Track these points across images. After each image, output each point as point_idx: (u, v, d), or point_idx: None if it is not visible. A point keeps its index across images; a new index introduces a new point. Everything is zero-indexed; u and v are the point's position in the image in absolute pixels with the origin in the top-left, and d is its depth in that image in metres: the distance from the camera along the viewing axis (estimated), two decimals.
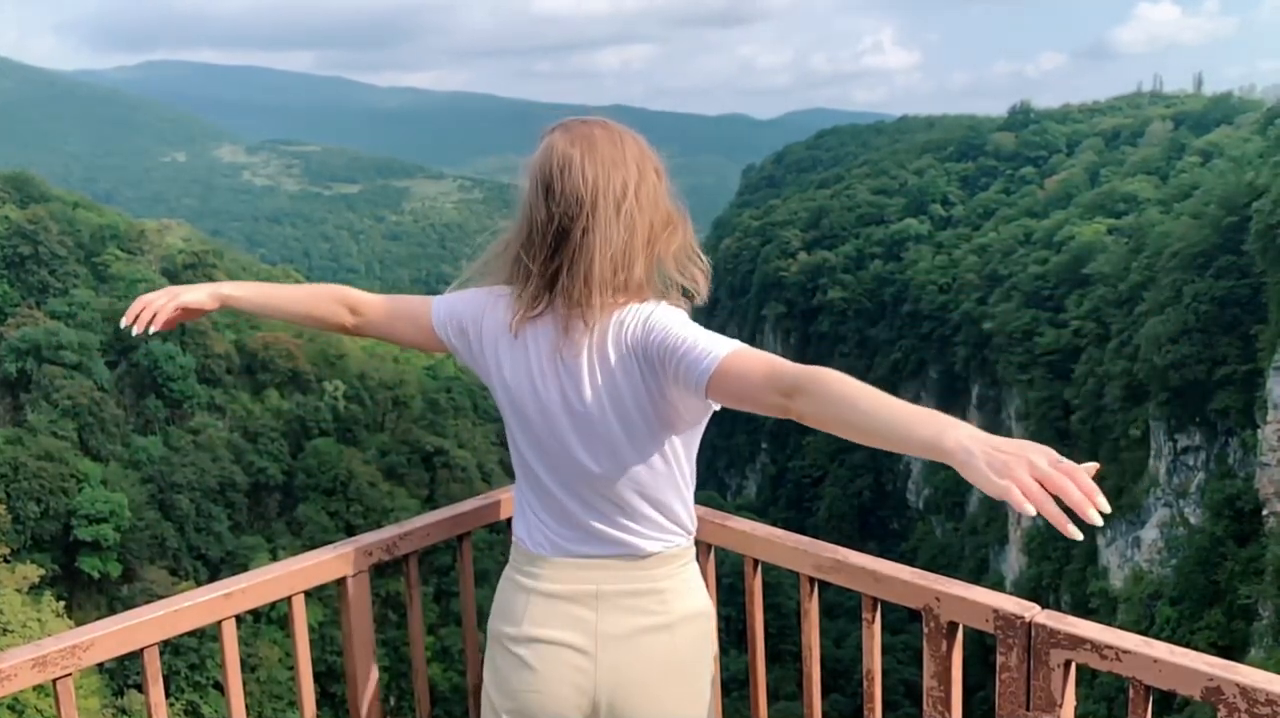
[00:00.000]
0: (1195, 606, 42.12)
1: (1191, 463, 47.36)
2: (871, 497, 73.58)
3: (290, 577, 2.63)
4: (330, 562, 2.69)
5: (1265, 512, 40.81)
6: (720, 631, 2.58)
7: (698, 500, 2.45)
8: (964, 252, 75.54)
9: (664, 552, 2.31)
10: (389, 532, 2.81)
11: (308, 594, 2.68)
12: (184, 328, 51.46)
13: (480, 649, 2.80)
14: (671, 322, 2.12)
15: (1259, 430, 42.04)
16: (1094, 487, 1.49)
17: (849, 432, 1.77)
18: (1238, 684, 1.82)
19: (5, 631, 32.62)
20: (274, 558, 38.23)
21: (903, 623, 39.70)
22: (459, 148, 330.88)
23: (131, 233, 60.24)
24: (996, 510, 63.37)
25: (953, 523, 67.03)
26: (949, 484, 70.43)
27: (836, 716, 36.83)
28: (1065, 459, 1.53)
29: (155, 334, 2.62)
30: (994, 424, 66.92)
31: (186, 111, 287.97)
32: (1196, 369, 46.32)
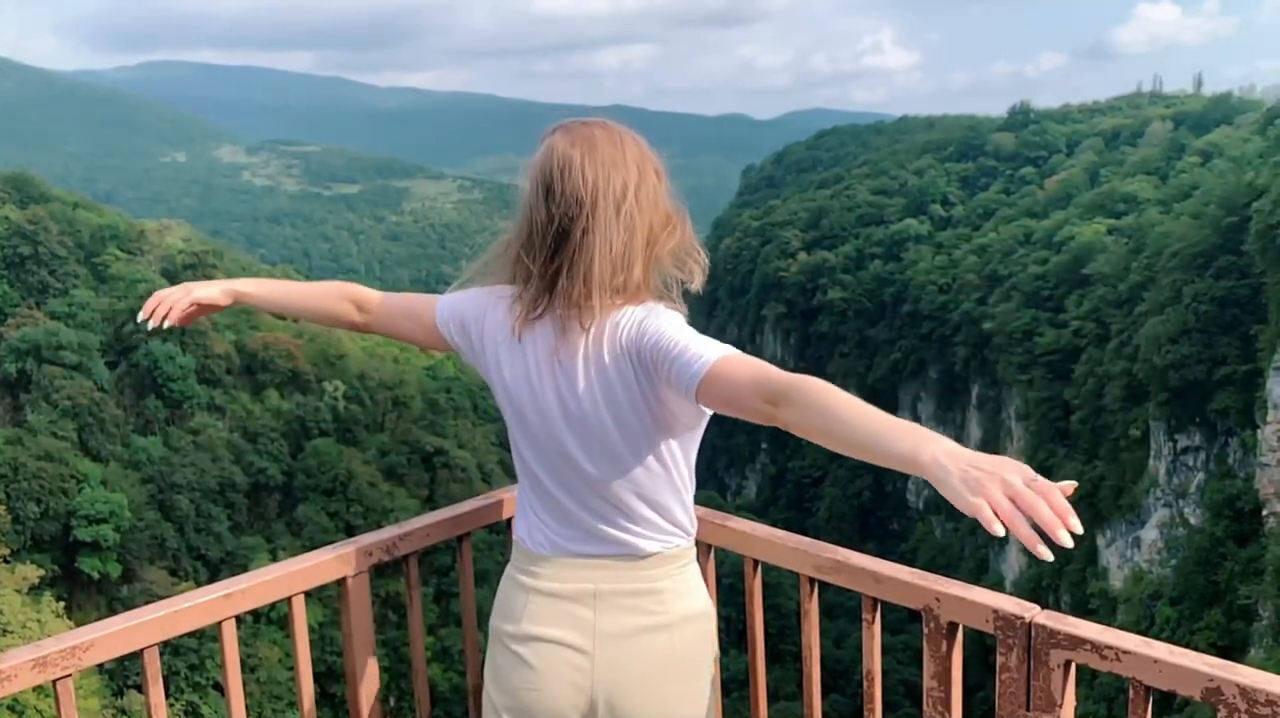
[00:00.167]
0: (1195, 606, 42.12)
1: (1191, 463, 47.36)
2: (871, 497, 73.58)
3: (290, 577, 2.63)
4: (330, 562, 2.69)
5: (1265, 512, 40.82)
6: (720, 631, 2.58)
7: (698, 501, 2.45)
8: (964, 252, 75.57)
9: (663, 552, 2.31)
10: (389, 532, 2.81)
11: (308, 595, 2.68)
12: (184, 328, 51.40)
13: (480, 650, 2.80)
14: (665, 325, 2.12)
15: (1259, 431, 42.05)
16: (1067, 508, 1.47)
17: (831, 441, 1.78)
18: (1238, 685, 1.82)
19: (5, 631, 32.62)
20: (274, 559, 38.28)
21: (903, 623, 39.70)
22: (459, 148, 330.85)
23: (131, 233, 60.27)
24: None
25: (953, 523, 67.01)
26: None
27: (836, 716, 36.84)
28: (1041, 478, 1.50)
29: (170, 328, 2.71)
30: (994, 424, 66.99)
31: (186, 112, 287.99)
32: (1196, 369, 46.33)
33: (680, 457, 2.29)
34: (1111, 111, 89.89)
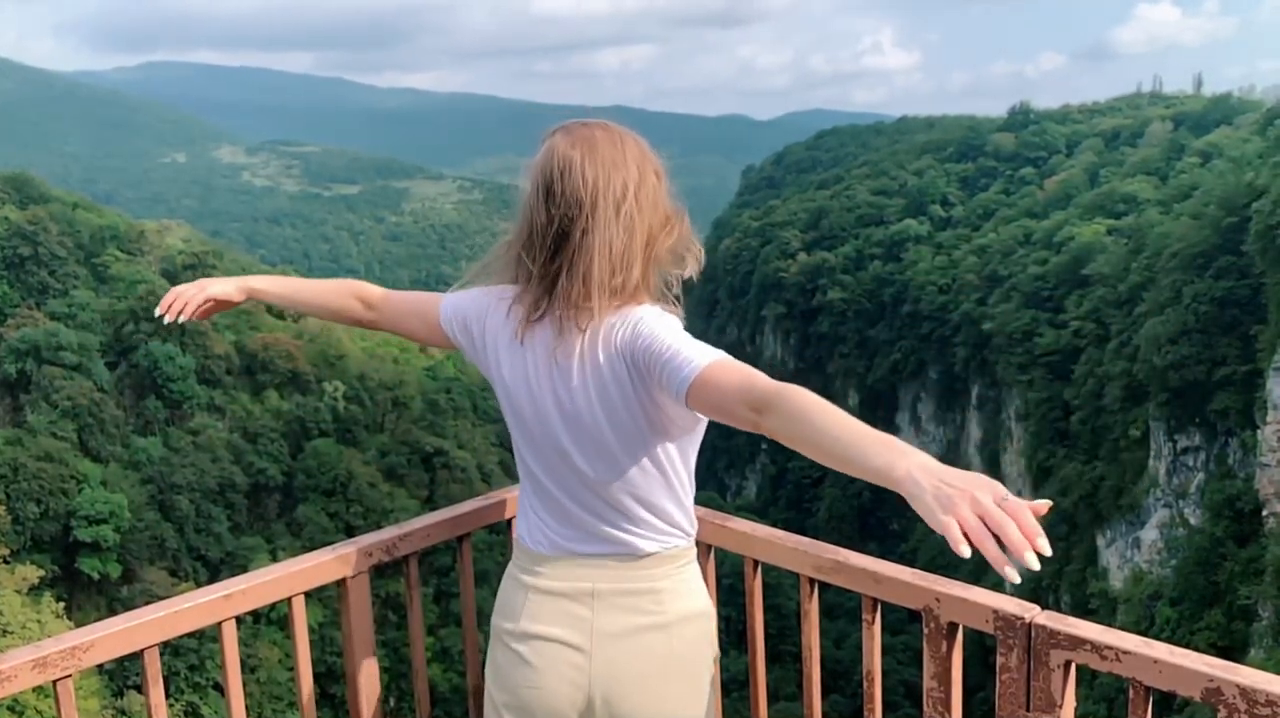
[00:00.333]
0: (1195, 606, 42.12)
1: (1191, 463, 47.37)
2: (871, 497, 73.50)
3: (290, 578, 2.63)
4: (330, 563, 2.69)
5: (1265, 512, 40.83)
6: (720, 631, 2.58)
7: (697, 501, 2.46)
8: (964, 252, 75.57)
9: (661, 552, 2.32)
10: (389, 533, 2.82)
11: (308, 595, 2.68)
12: (184, 329, 51.49)
13: (480, 651, 2.81)
14: (660, 328, 2.13)
15: (1259, 431, 42.06)
16: (1036, 529, 1.44)
17: (810, 451, 1.78)
18: (1238, 685, 1.82)
19: (5, 632, 32.63)
20: (274, 559, 38.30)
21: (903, 624, 39.68)
22: (459, 148, 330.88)
23: (131, 234, 60.29)
24: None
25: None
26: None
27: (836, 716, 36.84)
28: (1012, 497, 1.49)
29: (186, 322, 2.76)
30: (994, 425, 67.01)
31: (186, 112, 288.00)
32: (1196, 370, 46.34)
33: (678, 459, 2.29)
34: (1111, 112, 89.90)
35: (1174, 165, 69.46)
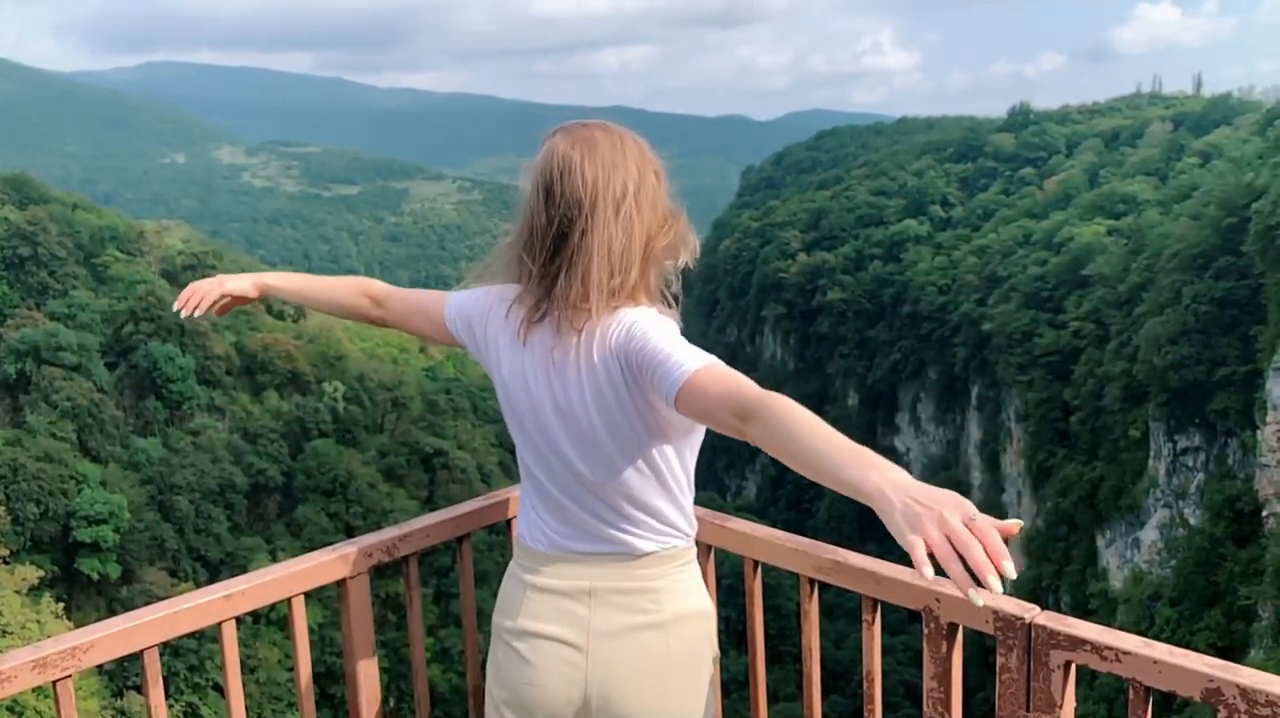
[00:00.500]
0: (1195, 607, 42.13)
1: (1191, 464, 47.37)
2: None
3: (290, 578, 2.63)
4: (330, 563, 2.69)
5: (1265, 513, 40.83)
6: (720, 632, 2.58)
7: (697, 502, 2.45)
8: (963, 253, 75.57)
9: (659, 552, 2.32)
10: (389, 533, 2.82)
11: (307, 596, 2.68)
12: (184, 328, 51.53)
13: (481, 651, 2.81)
14: (653, 330, 2.12)
15: (1258, 432, 42.06)
16: (1003, 551, 1.41)
17: (790, 461, 1.77)
18: (1238, 686, 1.82)
19: (5, 632, 32.63)
20: (273, 559, 38.31)
21: (903, 624, 39.70)
22: (458, 149, 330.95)
23: (131, 234, 60.28)
24: (996, 512, 63.23)
25: None
26: (948, 486, 69.75)
27: (836, 717, 36.83)
28: (981, 517, 1.47)
29: (202, 317, 2.84)
30: (994, 425, 66.98)
31: (186, 113, 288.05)
32: (1196, 370, 46.33)
33: (675, 462, 2.28)
34: (1111, 112, 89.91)
35: (1174, 166, 69.46)
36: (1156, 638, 2.05)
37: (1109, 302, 57.37)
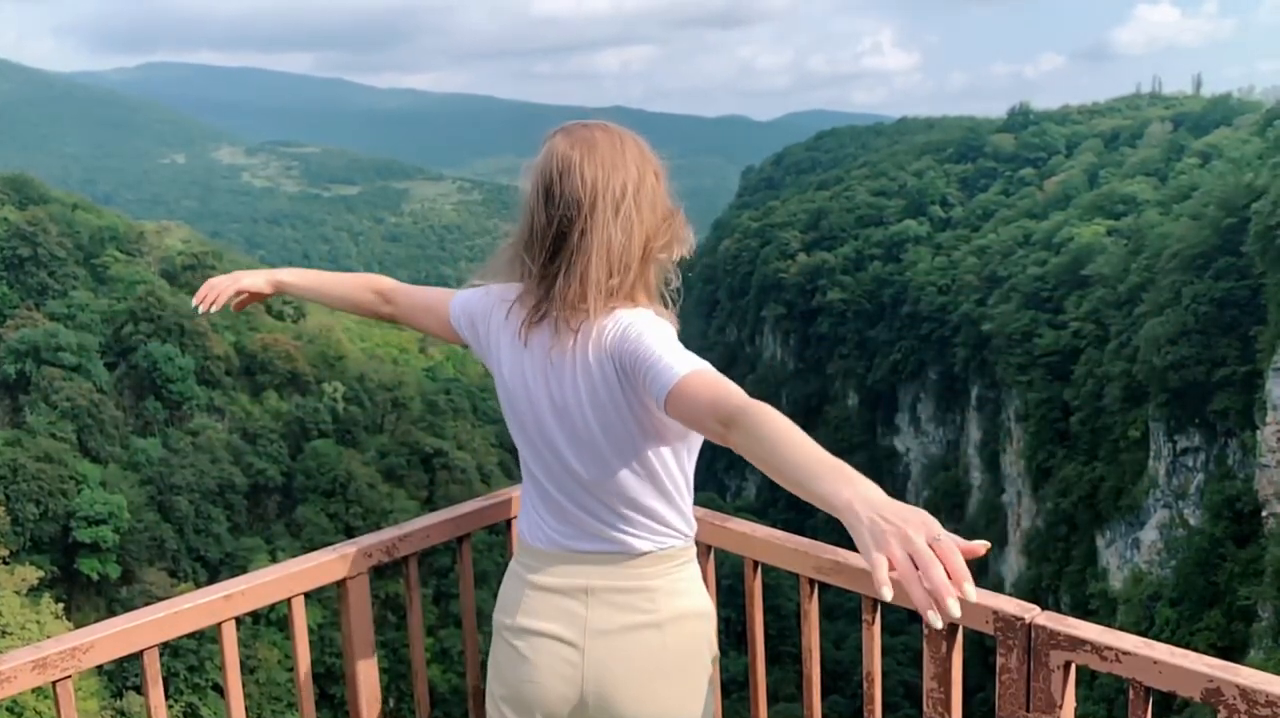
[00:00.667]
0: (1195, 607, 42.13)
1: (1191, 464, 47.37)
2: None
3: (290, 579, 2.63)
4: (330, 563, 2.69)
5: (1265, 513, 40.84)
6: (720, 632, 2.58)
7: (697, 502, 2.46)
8: (963, 253, 75.57)
9: (657, 552, 2.32)
10: (389, 533, 2.82)
11: (307, 596, 2.68)
12: (183, 328, 51.55)
13: (481, 651, 2.81)
14: (648, 332, 2.12)
15: (1258, 432, 42.07)
16: (964, 573, 1.39)
17: (768, 471, 1.76)
18: (1238, 686, 1.82)
19: (5, 633, 32.63)
20: (273, 560, 38.27)
21: (903, 624, 39.71)
22: (458, 149, 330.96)
23: (131, 234, 60.28)
24: (996, 512, 63.41)
25: (952, 524, 66.77)
26: (948, 486, 70.46)
27: (836, 717, 36.83)
28: (945, 537, 1.44)
29: (217, 312, 2.87)
30: (993, 425, 66.97)
31: (186, 113, 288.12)
32: (1196, 370, 46.33)
33: (672, 463, 2.28)
34: (1111, 113, 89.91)
35: (1173, 166, 69.46)
36: (1156, 638, 2.05)
37: (1109, 302, 57.37)
